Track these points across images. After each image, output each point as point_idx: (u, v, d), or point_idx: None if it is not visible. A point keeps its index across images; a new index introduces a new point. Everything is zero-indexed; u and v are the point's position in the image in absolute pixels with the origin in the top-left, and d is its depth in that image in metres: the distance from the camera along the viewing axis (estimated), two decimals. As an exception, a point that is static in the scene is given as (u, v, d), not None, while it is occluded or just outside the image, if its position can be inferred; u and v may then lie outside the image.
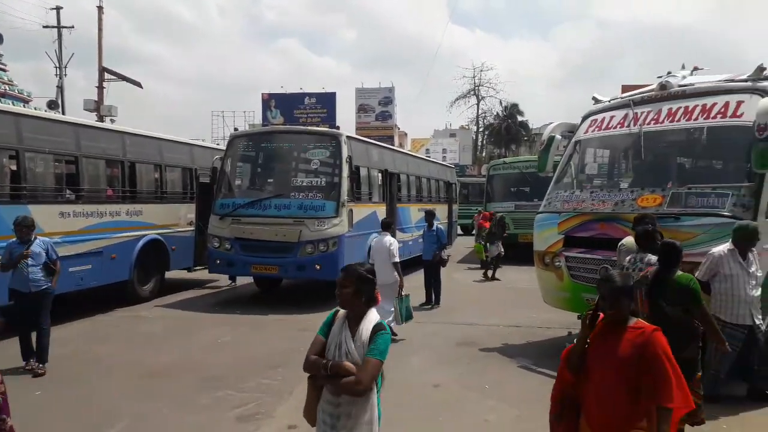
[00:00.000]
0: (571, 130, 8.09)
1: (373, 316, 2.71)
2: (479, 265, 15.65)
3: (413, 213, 14.28)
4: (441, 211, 16.95)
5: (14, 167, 8.00)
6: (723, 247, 5.28)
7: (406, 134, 59.33)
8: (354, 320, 2.71)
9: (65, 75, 26.21)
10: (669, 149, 7.44)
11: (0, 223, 7.20)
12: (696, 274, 4.97)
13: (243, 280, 12.38)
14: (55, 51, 26.22)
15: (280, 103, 43.46)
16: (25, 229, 6.20)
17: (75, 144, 8.85)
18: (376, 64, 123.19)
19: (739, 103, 6.10)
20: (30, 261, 6.12)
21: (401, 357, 6.95)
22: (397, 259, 7.91)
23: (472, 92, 49.95)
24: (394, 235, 8.54)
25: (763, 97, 5.85)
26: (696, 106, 6.42)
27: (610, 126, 7.31)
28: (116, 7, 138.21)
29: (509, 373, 6.41)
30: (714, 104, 6.28)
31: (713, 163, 7.36)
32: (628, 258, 5.26)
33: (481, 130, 53.45)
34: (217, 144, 19.10)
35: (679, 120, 6.54)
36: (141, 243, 10.09)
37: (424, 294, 10.38)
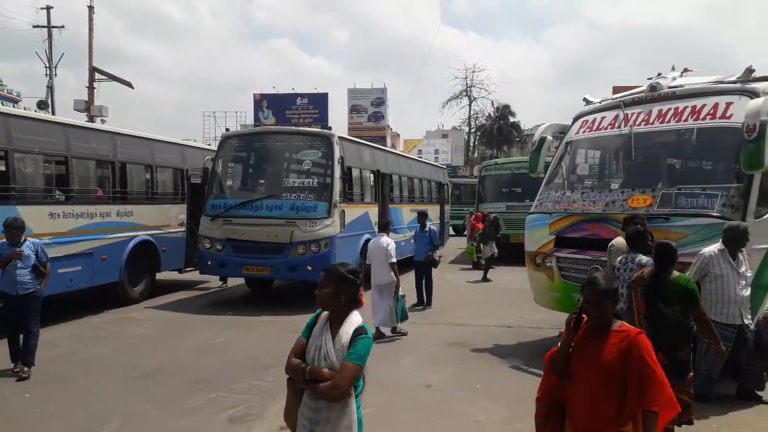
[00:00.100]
0: (562, 131, 8.13)
1: (354, 319, 2.64)
2: (471, 266, 15.71)
3: (405, 214, 14.28)
4: (433, 211, 16.99)
5: (3, 168, 7.93)
6: (713, 248, 5.32)
7: (398, 135, 59.37)
8: (336, 322, 2.64)
9: (55, 75, 26.09)
10: (659, 150, 7.49)
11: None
12: (686, 274, 5.00)
13: (234, 281, 12.33)
14: (45, 51, 26.09)
15: (272, 103, 43.35)
16: (15, 230, 6.13)
17: (65, 144, 8.79)
18: (368, 64, 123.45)
19: (728, 105, 6.15)
20: (18, 263, 6.06)
21: (393, 357, 6.95)
22: (395, 260, 7.98)
23: (464, 93, 50.21)
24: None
25: (751, 98, 5.91)
26: (686, 107, 6.47)
27: (600, 127, 7.36)
28: (107, 7, 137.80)
29: (501, 374, 6.43)
30: (703, 105, 6.33)
31: (703, 164, 7.41)
32: (619, 258, 5.28)
33: (473, 131, 53.71)
34: (209, 144, 19.03)
35: (669, 121, 6.59)
36: (131, 244, 10.03)
37: (416, 295, 10.38)
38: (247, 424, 4.94)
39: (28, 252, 6.16)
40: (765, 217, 5.85)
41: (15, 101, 19.71)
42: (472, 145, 55.20)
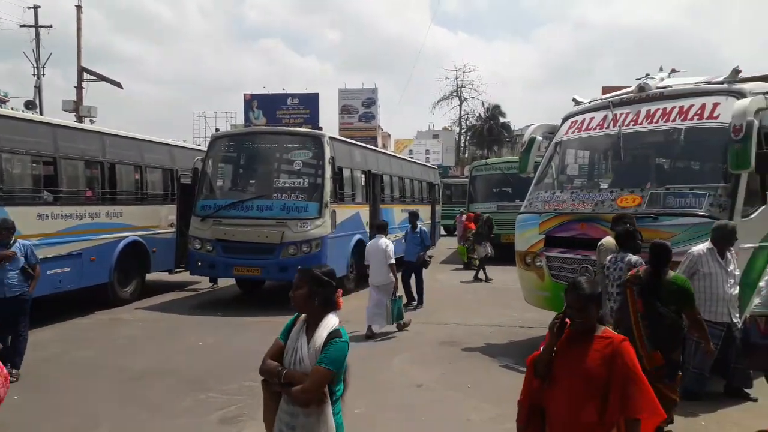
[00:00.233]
0: (551, 132, 8.17)
1: (330, 322, 2.58)
2: (462, 266, 15.75)
3: (396, 214, 14.29)
4: (424, 211, 17.01)
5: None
6: (702, 246, 5.37)
7: (389, 135, 59.31)
8: (312, 325, 2.59)
9: (43, 75, 25.79)
10: (647, 150, 7.56)
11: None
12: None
13: (224, 282, 12.28)
14: (33, 50, 25.80)
15: (263, 103, 43.15)
16: (5, 232, 6.08)
17: (53, 145, 8.72)
18: (359, 65, 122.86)
19: (715, 105, 6.22)
20: (8, 265, 6.00)
21: (384, 357, 6.97)
22: (393, 261, 8.02)
23: (455, 94, 50.33)
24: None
25: (738, 99, 5.98)
26: (674, 107, 6.53)
27: (590, 127, 7.41)
28: (95, 6, 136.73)
29: (491, 373, 6.46)
30: (691, 106, 6.39)
31: (691, 164, 7.49)
32: (609, 258, 5.32)
33: (463, 131, 53.84)
34: (199, 145, 18.94)
35: (657, 121, 6.65)
36: (121, 245, 9.97)
37: (404, 293, 10.40)
38: (238, 425, 4.93)
39: (18, 254, 6.10)
40: (752, 216, 5.93)
41: (2, 101, 19.56)
42: (462, 145, 55.34)
